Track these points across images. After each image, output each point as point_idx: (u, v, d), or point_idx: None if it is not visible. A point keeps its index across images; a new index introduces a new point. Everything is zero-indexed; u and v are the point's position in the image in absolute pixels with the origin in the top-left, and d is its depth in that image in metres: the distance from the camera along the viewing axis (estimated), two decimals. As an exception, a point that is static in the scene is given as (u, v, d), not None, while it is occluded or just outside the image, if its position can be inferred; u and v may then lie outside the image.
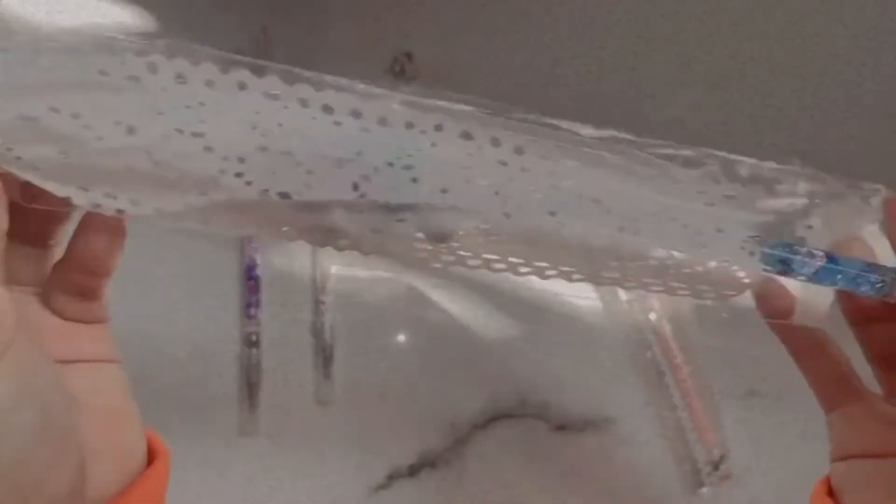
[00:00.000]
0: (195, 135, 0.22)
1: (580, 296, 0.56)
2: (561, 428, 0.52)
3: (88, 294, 0.26)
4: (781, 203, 0.25)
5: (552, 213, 0.22)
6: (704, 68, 0.62)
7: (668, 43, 0.63)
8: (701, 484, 0.52)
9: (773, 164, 0.24)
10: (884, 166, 0.61)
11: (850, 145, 0.61)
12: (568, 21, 0.63)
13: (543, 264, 0.23)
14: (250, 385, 0.50)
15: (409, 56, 0.59)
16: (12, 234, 0.23)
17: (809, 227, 0.25)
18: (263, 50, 0.59)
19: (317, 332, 0.52)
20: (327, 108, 0.23)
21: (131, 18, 0.60)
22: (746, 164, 0.24)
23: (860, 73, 0.61)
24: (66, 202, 0.23)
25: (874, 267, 0.25)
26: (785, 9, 0.61)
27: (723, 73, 0.61)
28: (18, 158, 0.21)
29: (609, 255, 0.23)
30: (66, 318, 0.26)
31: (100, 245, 0.25)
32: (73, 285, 0.26)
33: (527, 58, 0.62)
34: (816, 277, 0.24)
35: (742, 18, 0.61)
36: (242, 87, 0.23)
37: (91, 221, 0.25)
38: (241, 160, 0.22)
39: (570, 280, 0.24)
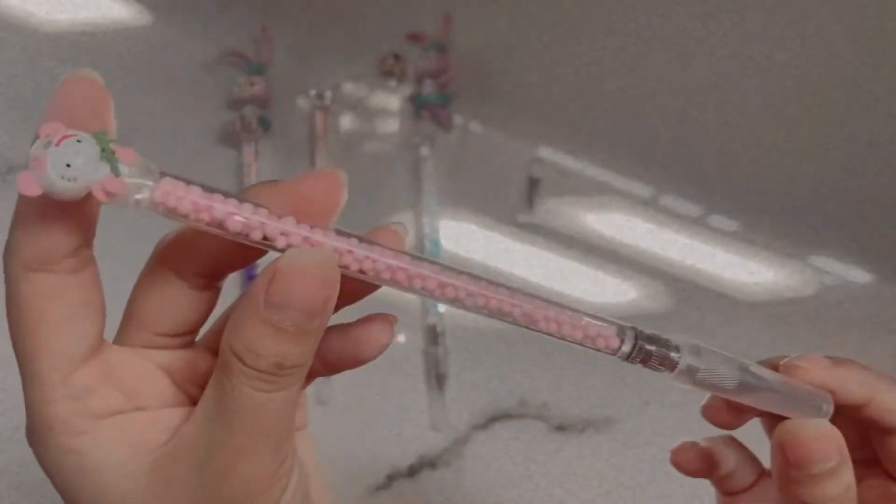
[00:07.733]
0: None
1: (580, 294, 0.56)
2: (561, 428, 0.52)
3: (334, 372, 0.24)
4: None
5: None
6: (704, 68, 0.62)
7: (668, 43, 0.63)
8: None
9: None
10: (884, 166, 0.61)
11: (850, 145, 0.61)
12: (568, 21, 0.63)
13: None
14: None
15: (396, 57, 0.59)
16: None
17: None
18: (263, 50, 0.59)
19: (317, 332, 0.52)
20: None
21: (131, 18, 0.60)
22: None
23: (860, 73, 0.61)
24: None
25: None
26: (785, 9, 0.61)
27: (723, 74, 0.61)
28: None
29: None
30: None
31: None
32: (331, 364, 0.24)
33: (527, 58, 0.62)
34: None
35: (742, 18, 0.61)
36: None
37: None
38: None
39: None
